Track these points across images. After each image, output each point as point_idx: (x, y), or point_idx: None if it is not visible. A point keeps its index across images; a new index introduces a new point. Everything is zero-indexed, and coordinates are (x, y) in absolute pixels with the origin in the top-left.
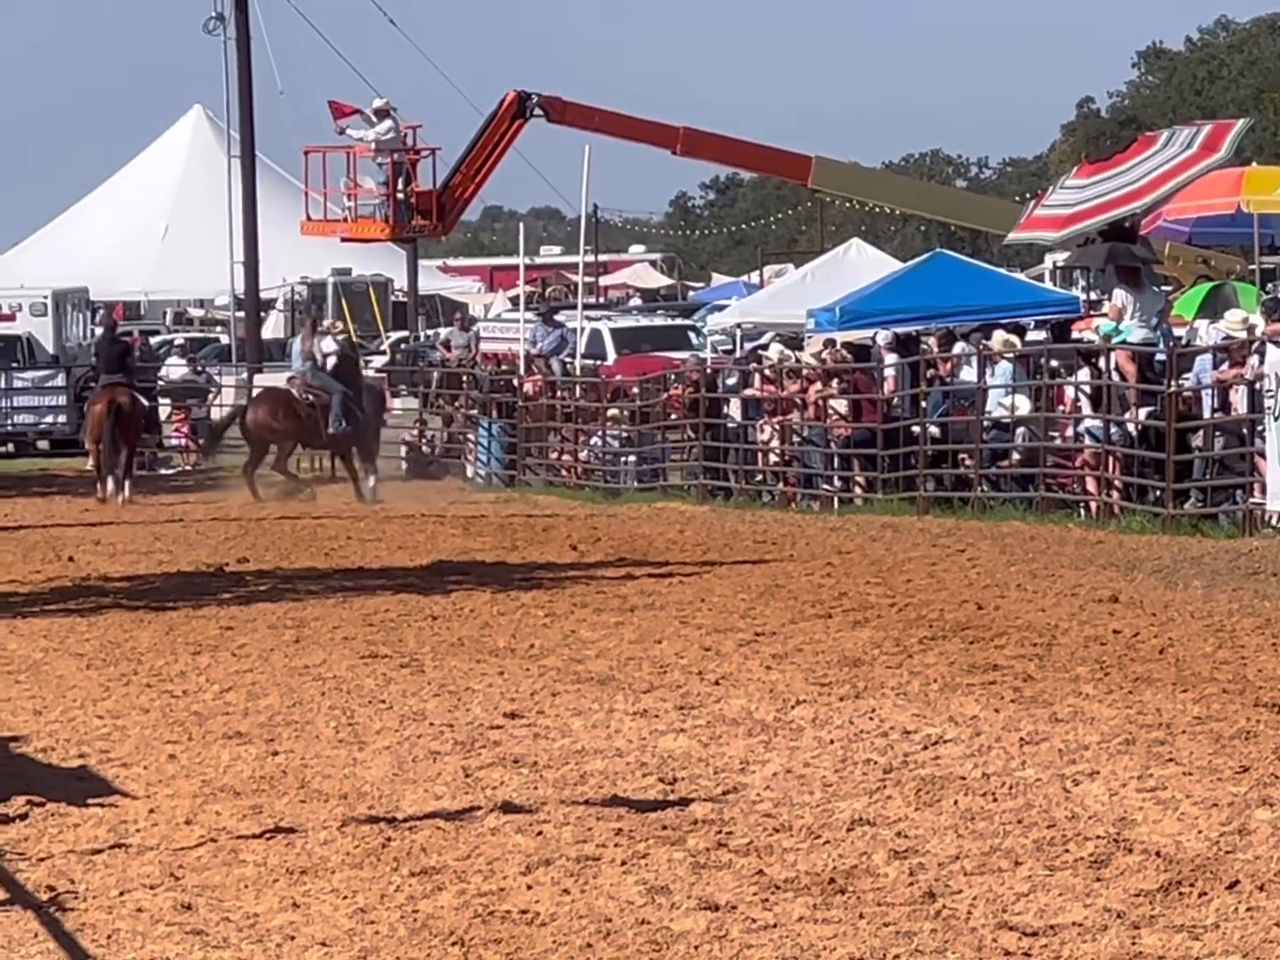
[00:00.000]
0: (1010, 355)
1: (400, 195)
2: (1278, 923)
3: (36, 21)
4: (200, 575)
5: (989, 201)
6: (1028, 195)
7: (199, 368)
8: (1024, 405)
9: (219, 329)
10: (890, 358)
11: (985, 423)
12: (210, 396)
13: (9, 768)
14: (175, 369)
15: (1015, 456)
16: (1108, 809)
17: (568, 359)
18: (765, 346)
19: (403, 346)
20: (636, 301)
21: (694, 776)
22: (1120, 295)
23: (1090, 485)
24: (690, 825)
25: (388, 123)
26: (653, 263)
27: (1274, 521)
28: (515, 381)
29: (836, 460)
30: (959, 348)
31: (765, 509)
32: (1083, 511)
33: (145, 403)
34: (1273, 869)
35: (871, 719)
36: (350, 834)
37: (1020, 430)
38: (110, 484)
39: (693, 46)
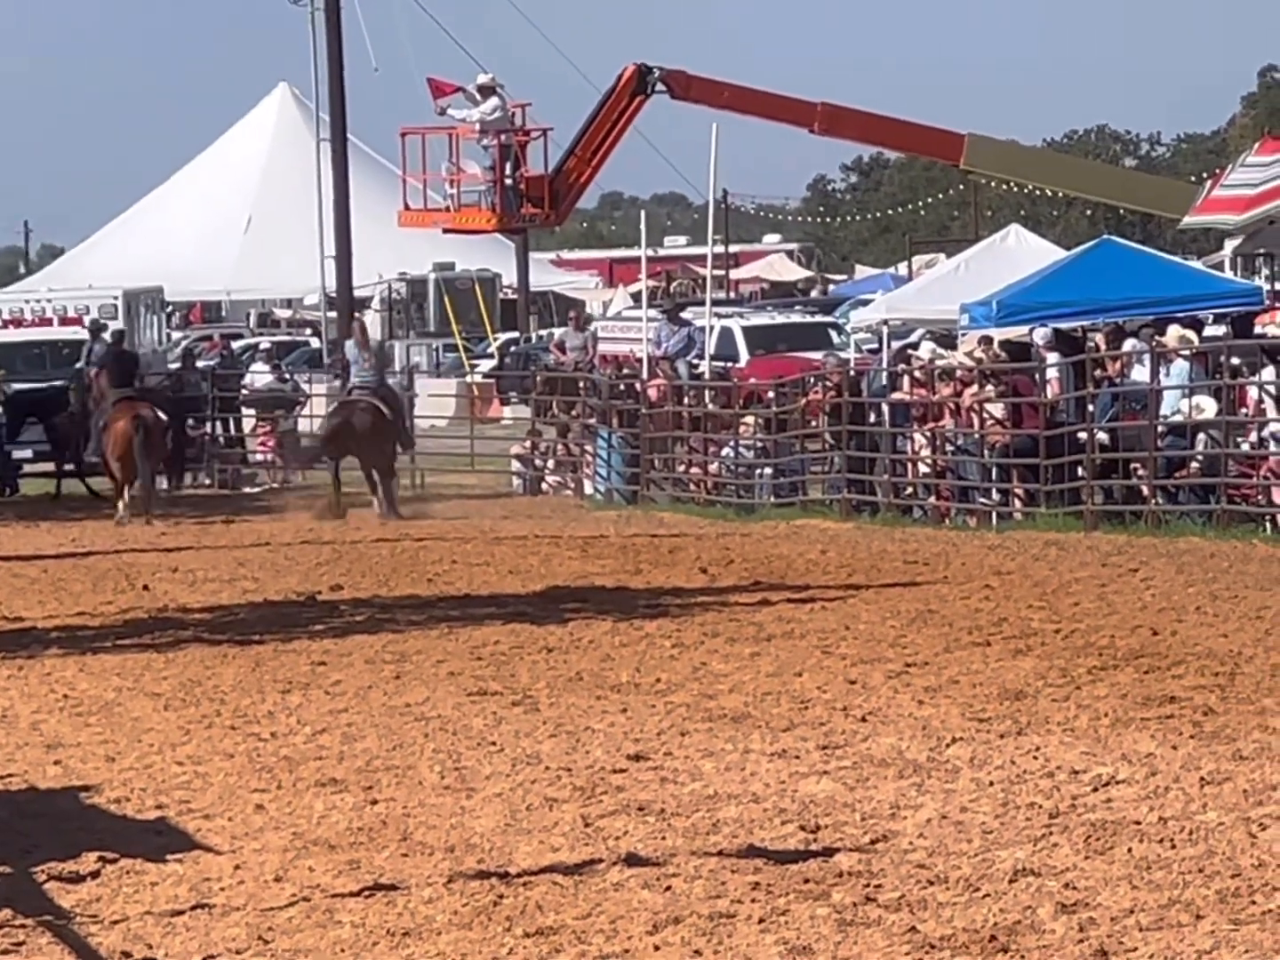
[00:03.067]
0: (1186, 353)
1: (508, 181)
2: None
3: None
4: (290, 605)
5: (1161, 182)
6: (1204, 175)
7: (286, 375)
8: (1209, 408)
9: (308, 331)
10: (1053, 357)
11: (1159, 428)
12: (298, 407)
13: (79, 820)
14: (260, 376)
15: (1194, 465)
16: None
17: (695, 361)
18: (915, 345)
19: (512, 349)
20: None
21: (839, 824)
22: None
23: (1277, 496)
24: (835, 878)
25: (493, 101)
26: (789, 253)
27: None
28: (638, 386)
29: (994, 471)
30: (1129, 345)
31: (916, 525)
32: (1269, 526)
33: (164, 418)
34: None
35: (1035, 758)
36: (458, 891)
37: (1199, 436)
38: (121, 506)
39: (827, 16)
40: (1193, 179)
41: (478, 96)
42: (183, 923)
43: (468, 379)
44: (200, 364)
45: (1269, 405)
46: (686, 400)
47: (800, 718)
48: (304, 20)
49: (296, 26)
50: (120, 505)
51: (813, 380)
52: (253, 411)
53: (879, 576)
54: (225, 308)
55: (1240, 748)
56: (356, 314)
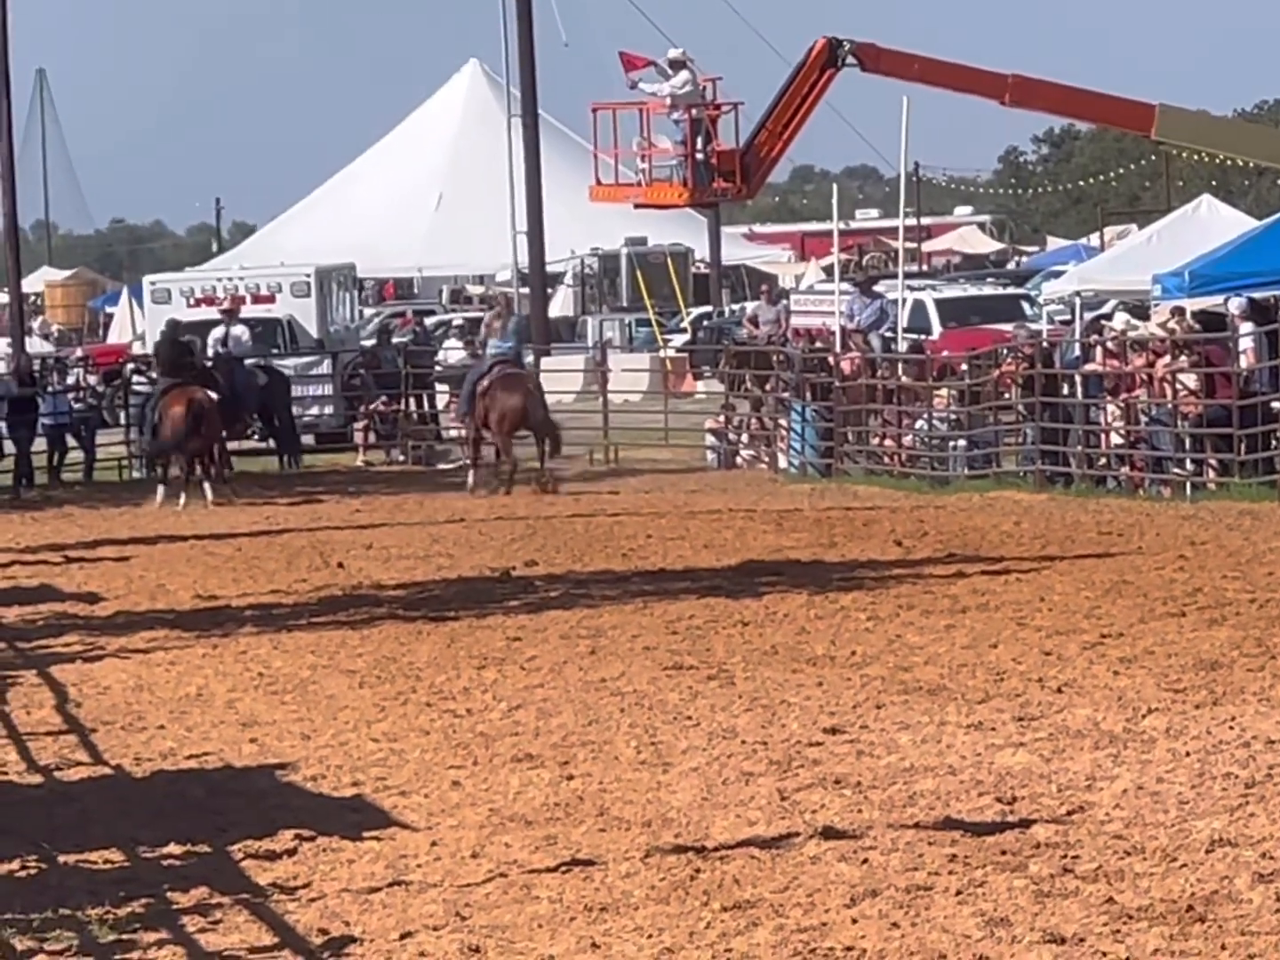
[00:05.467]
0: None
1: (700, 155)
2: None
3: None
4: (484, 581)
5: None
6: None
7: (479, 351)
8: None
9: None
10: (1246, 327)
11: None
12: None
13: (276, 798)
14: (453, 352)
15: None
16: None
17: (888, 334)
18: (1108, 316)
19: (705, 323)
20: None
21: (1035, 795)
22: None
23: None
24: (1032, 849)
25: (684, 75)
26: (981, 225)
27: None
28: (831, 360)
29: (1188, 441)
30: None
31: (1109, 496)
32: None
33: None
34: None
35: (1231, 728)
36: (655, 865)
37: None
38: (164, 491)
39: None
40: None
41: (669, 70)
42: (380, 900)
43: (661, 353)
44: (394, 340)
45: None
46: (880, 373)
47: (996, 689)
48: None
49: (487, 3)
50: (160, 491)
51: (1005, 352)
52: (446, 388)
53: (1073, 548)
54: (417, 284)
55: None
56: (503, 292)
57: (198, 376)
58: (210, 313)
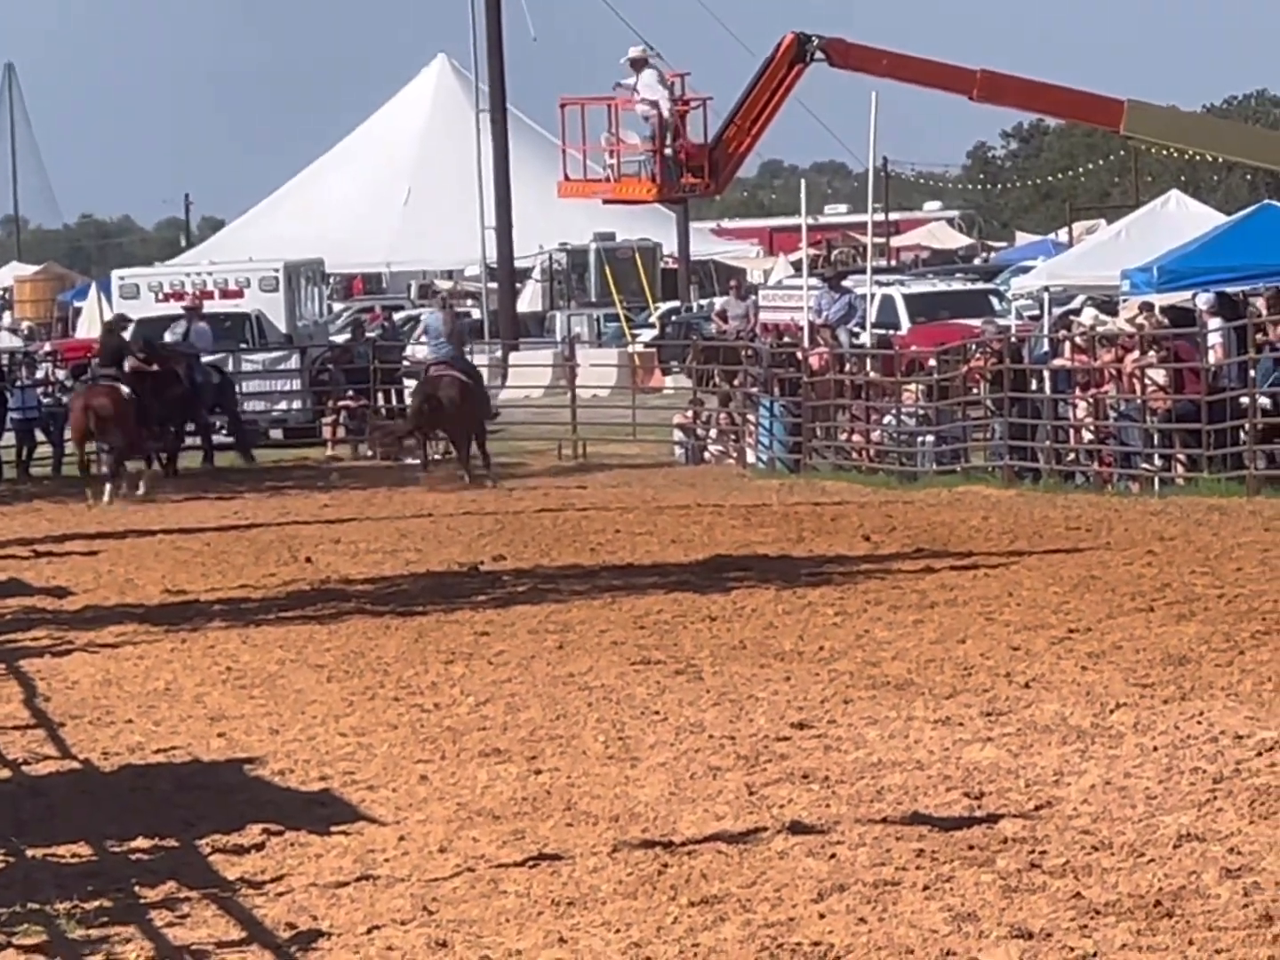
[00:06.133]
0: None
1: (668, 151)
2: None
3: None
4: (452, 576)
5: None
6: None
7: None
8: None
9: (469, 302)
10: (1214, 322)
11: None
12: None
13: (244, 792)
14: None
15: None
16: None
17: (857, 329)
18: (1076, 311)
19: (673, 318)
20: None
21: (1003, 790)
22: None
23: None
24: (999, 844)
25: (649, 73)
26: (950, 221)
27: None
28: (799, 355)
29: (1156, 437)
30: None
31: (1078, 492)
32: None
33: (131, 394)
34: None
35: (1199, 723)
36: (622, 860)
37: None
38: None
39: None
40: None
41: (631, 71)
42: (347, 894)
43: (629, 349)
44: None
45: None
46: (848, 368)
47: (964, 684)
48: None
49: None
50: (89, 492)
51: (974, 347)
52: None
53: (1041, 543)
54: (386, 280)
55: None
56: (443, 291)
57: (131, 372)
58: (178, 308)
